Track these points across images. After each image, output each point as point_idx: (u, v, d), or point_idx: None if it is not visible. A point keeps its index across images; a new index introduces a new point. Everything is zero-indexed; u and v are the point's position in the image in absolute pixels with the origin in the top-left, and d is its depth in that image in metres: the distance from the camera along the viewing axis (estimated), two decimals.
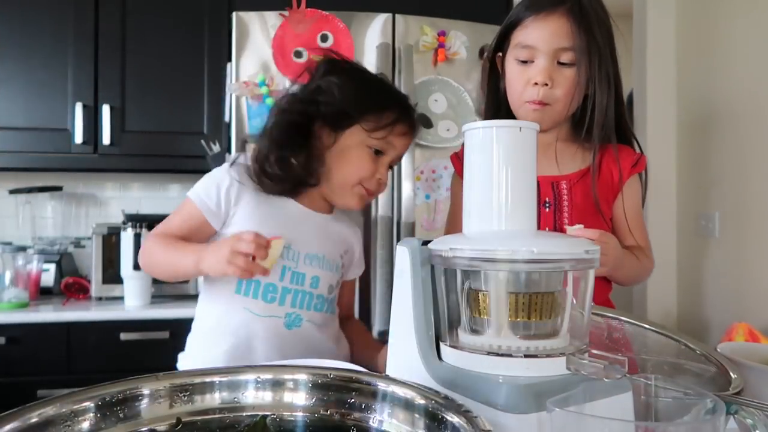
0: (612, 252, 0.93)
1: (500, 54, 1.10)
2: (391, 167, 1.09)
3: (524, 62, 1.02)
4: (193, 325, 1.08)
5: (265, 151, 1.02)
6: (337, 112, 1.02)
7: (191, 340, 1.08)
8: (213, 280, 1.03)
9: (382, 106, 1.03)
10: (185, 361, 1.06)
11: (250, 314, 1.00)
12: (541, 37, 1.00)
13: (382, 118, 1.02)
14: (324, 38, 1.94)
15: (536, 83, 1.00)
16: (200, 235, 1.04)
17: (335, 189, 1.06)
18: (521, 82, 1.02)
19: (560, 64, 1.01)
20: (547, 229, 1.06)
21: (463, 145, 1.29)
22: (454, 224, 1.20)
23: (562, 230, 1.04)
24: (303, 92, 1.06)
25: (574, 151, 1.10)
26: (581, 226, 0.87)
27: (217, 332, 1.01)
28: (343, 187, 1.05)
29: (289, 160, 1.02)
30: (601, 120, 1.04)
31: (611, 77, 1.04)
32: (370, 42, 1.97)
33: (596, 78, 1.01)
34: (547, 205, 1.07)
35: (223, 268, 0.89)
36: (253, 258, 0.89)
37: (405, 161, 1.89)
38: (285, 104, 1.05)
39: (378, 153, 1.04)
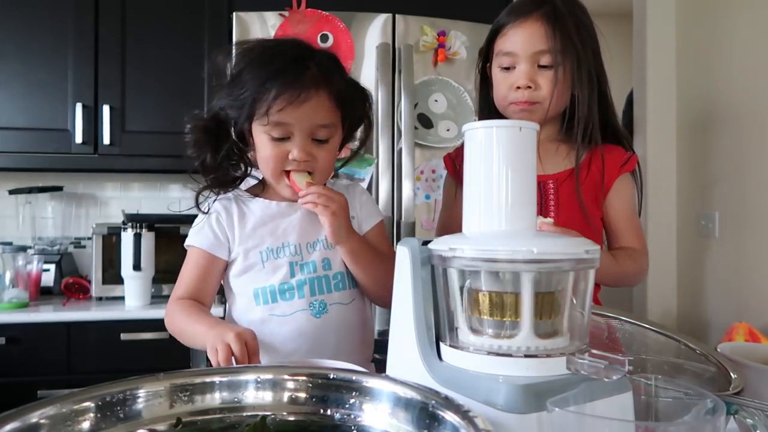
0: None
1: (489, 64, 1.14)
2: (322, 140, 0.97)
3: (507, 69, 1.06)
4: None
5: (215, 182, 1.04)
6: (239, 133, 1.01)
7: None
8: (234, 305, 1.05)
9: (256, 88, 0.93)
10: None
11: (276, 318, 1.00)
12: (519, 43, 1.04)
13: (261, 102, 0.93)
14: (324, 38, 1.94)
15: (518, 87, 1.04)
16: (214, 274, 1.04)
17: (268, 184, 1.05)
18: (505, 87, 1.07)
19: (540, 66, 1.04)
20: None
21: (456, 146, 1.30)
22: (446, 226, 1.20)
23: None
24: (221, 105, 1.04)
25: (562, 151, 1.11)
26: (551, 220, 0.86)
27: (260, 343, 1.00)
28: (270, 181, 1.03)
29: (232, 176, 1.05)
30: (583, 119, 1.06)
31: (594, 77, 1.06)
32: (370, 42, 1.97)
33: (576, 78, 1.04)
34: None
35: (217, 359, 0.85)
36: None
37: (405, 161, 1.89)
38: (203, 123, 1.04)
39: (282, 139, 0.96)
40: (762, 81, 1.86)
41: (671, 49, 2.29)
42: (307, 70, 0.95)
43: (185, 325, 0.99)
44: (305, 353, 0.99)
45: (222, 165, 1.02)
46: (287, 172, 0.98)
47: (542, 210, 1.07)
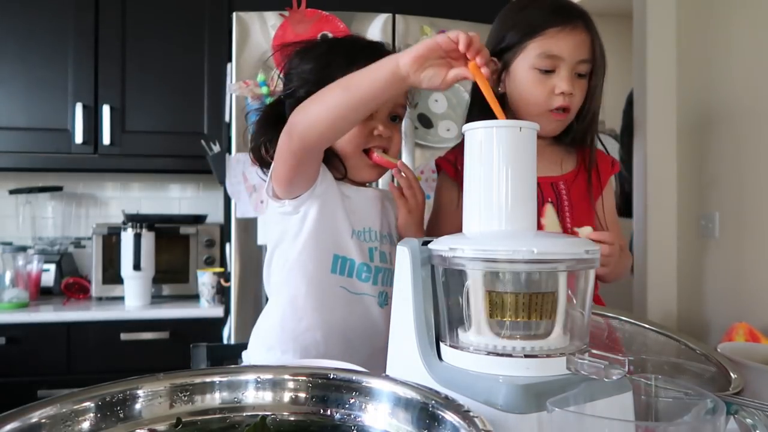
0: (616, 253, 0.96)
1: (494, 59, 1.10)
2: (396, 118, 1.04)
3: (545, 71, 1.04)
4: (271, 315, 1.03)
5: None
6: (309, 94, 0.94)
7: (272, 331, 1.02)
8: (304, 263, 1.00)
9: (349, 69, 0.91)
10: (271, 353, 1.01)
11: (345, 292, 1.00)
12: (566, 48, 1.03)
13: None
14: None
15: (562, 92, 1.03)
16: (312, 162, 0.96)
17: (349, 169, 1.04)
18: (544, 90, 1.04)
19: (577, 75, 1.05)
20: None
21: (451, 147, 1.29)
22: (438, 225, 1.19)
23: (565, 229, 1.08)
24: (283, 90, 1.05)
25: (560, 153, 1.15)
26: (590, 228, 0.90)
27: (313, 312, 0.99)
28: (348, 159, 1.02)
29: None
30: (594, 126, 1.12)
31: (602, 88, 1.11)
32: None
33: (597, 90, 1.08)
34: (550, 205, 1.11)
35: (429, 44, 0.80)
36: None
37: (405, 161, 1.89)
38: (264, 109, 1.05)
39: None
40: (762, 81, 1.86)
41: (671, 49, 2.29)
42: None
43: (336, 89, 0.87)
44: (361, 337, 0.98)
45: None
46: (366, 152, 1.01)
47: (559, 210, 1.10)
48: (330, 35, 1.15)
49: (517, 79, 1.07)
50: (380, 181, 1.92)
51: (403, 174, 1.04)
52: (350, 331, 1.00)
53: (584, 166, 1.13)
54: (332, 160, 1.02)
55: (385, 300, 1.03)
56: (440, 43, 0.80)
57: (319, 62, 1.01)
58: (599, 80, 1.07)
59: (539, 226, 1.04)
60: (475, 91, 1.13)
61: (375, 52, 1.00)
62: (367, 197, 1.06)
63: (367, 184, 1.11)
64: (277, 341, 1.01)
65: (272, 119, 1.03)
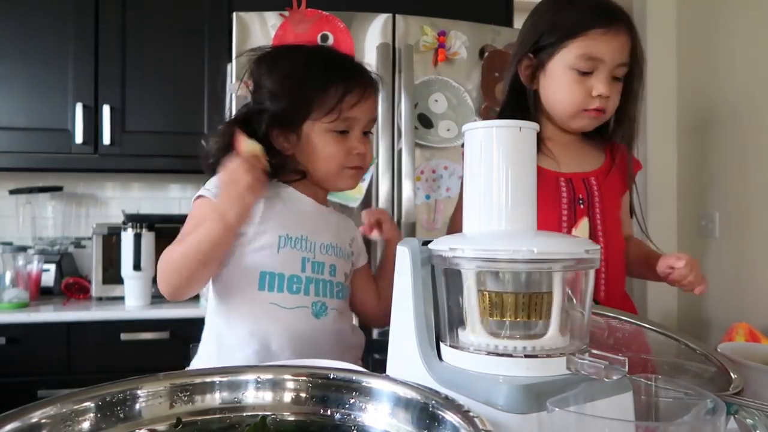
0: (693, 266, 0.98)
1: (530, 55, 1.09)
2: (367, 133, 1.05)
3: (584, 73, 1.04)
4: (210, 331, 1.04)
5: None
6: (281, 117, 0.99)
7: (210, 346, 1.03)
8: (232, 285, 1.01)
9: (322, 89, 0.98)
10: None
11: (277, 308, 0.98)
12: (608, 51, 1.02)
13: (327, 101, 0.98)
14: (324, 38, 1.94)
15: (599, 95, 1.03)
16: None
17: (323, 180, 1.05)
18: (581, 91, 1.04)
19: (613, 77, 1.05)
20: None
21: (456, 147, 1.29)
22: (459, 223, 1.20)
23: (595, 227, 1.09)
24: (249, 106, 1.04)
25: (589, 149, 1.15)
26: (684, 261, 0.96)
27: (242, 334, 0.98)
28: (329, 177, 1.03)
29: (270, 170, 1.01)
30: (632, 129, 1.13)
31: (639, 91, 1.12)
32: (370, 42, 1.97)
33: (634, 93, 1.09)
34: (581, 201, 1.09)
35: (246, 199, 0.87)
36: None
37: (405, 161, 1.90)
38: (232, 124, 1.02)
39: (343, 132, 1.00)
40: (762, 81, 1.86)
41: (671, 49, 2.29)
42: (365, 70, 1.04)
43: (183, 245, 0.95)
44: (297, 351, 0.97)
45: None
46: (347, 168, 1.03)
47: (590, 207, 1.09)
48: (279, 47, 1.16)
49: (553, 78, 1.06)
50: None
51: (377, 216, 1.11)
52: (287, 347, 0.97)
53: (615, 163, 1.14)
54: (289, 166, 1.02)
55: (321, 310, 1.01)
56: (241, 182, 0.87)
57: (294, 76, 1.00)
58: (639, 83, 1.08)
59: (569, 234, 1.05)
60: (513, 93, 1.13)
61: (351, 72, 1.02)
62: (311, 207, 1.05)
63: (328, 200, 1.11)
64: (217, 359, 1.00)
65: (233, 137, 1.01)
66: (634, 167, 1.17)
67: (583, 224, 1.01)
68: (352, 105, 0.99)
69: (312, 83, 0.99)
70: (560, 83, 1.05)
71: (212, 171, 1.00)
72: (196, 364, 1.04)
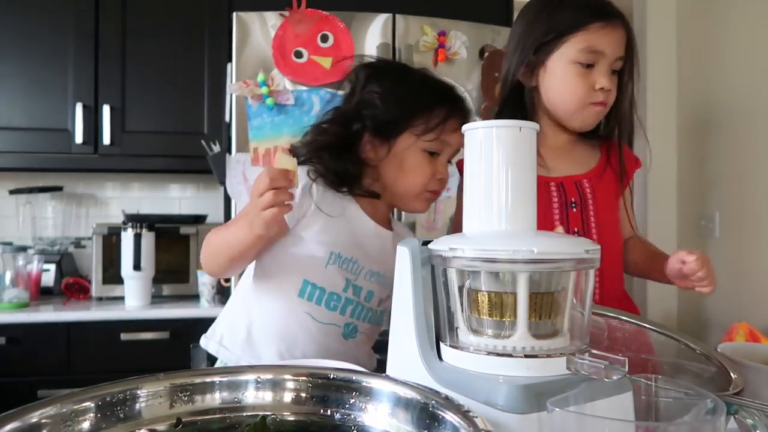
0: (707, 267, 0.97)
1: (532, 57, 1.09)
2: (449, 161, 1.07)
3: (586, 66, 1.05)
4: (240, 314, 1.04)
5: (320, 172, 1.00)
6: (383, 123, 0.99)
7: (241, 330, 1.02)
8: (274, 280, 1.01)
9: (430, 106, 1.00)
10: (223, 353, 1.02)
11: (310, 319, 0.99)
12: (608, 44, 1.04)
13: (431, 119, 0.99)
14: (324, 38, 1.94)
15: (602, 88, 1.04)
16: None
17: (400, 198, 1.04)
18: (584, 85, 1.05)
19: (613, 71, 1.06)
20: (576, 230, 1.08)
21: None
22: (461, 225, 1.20)
23: (589, 228, 1.09)
24: (346, 107, 1.03)
25: (585, 150, 1.15)
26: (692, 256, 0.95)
27: (272, 332, 0.99)
28: (407, 196, 1.03)
29: (340, 177, 1.00)
30: (625, 123, 1.13)
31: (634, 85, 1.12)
32: (370, 42, 1.97)
33: (631, 86, 1.10)
34: (573, 205, 1.10)
35: (266, 217, 0.84)
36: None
37: None
38: (327, 123, 1.02)
39: (433, 154, 1.01)
40: (762, 81, 1.86)
41: (671, 49, 2.29)
42: (465, 101, 1.06)
43: (219, 235, 0.95)
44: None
45: (342, 170, 1.00)
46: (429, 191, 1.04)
47: (583, 210, 1.10)
48: (393, 62, 1.18)
49: (555, 73, 1.07)
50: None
51: None
52: (310, 357, 0.98)
53: (610, 162, 1.14)
54: (366, 180, 1.02)
55: (351, 332, 1.02)
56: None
57: (406, 86, 1.02)
58: (631, 77, 1.09)
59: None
60: (510, 93, 1.13)
61: (457, 100, 1.04)
62: (372, 231, 1.04)
63: (392, 221, 1.10)
64: (245, 345, 1.01)
65: (341, 148, 1.00)
66: (633, 164, 1.17)
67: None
68: (453, 129, 1.00)
69: (421, 98, 1.00)
70: (562, 78, 1.06)
71: (309, 157, 1.01)
72: (226, 336, 1.04)
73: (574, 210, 1.09)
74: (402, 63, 1.15)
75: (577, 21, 1.04)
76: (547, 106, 1.09)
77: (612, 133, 1.14)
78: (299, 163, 0.95)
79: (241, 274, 1.09)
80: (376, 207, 1.05)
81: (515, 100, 1.12)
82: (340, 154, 0.99)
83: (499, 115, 1.15)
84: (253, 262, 1.04)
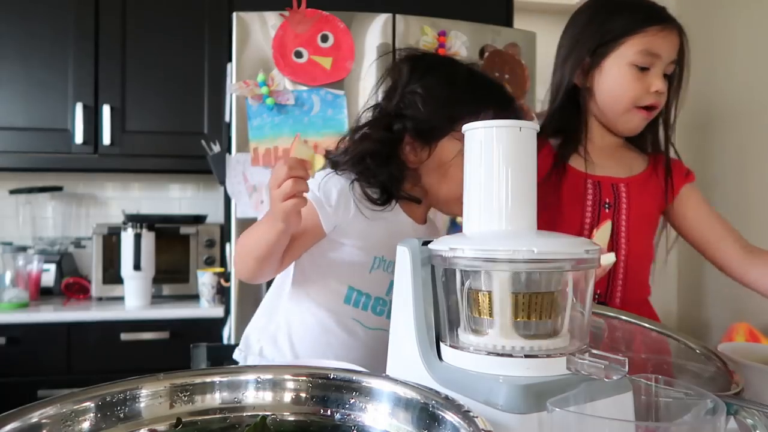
0: None
1: (587, 59, 1.10)
2: None
3: (642, 68, 1.06)
4: (281, 322, 1.01)
5: (364, 186, 0.96)
6: (425, 125, 0.93)
7: (272, 344, 1.01)
8: (316, 287, 0.99)
9: (475, 110, 0.91)
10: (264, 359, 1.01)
11: (359, 325, 0.98)
12: (665, 47, 1.05)
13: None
14: (324, 38, 1.94)
15: (656, 91, 1.05)
16: (306, 236, 0.95)
17: (441, 202, 1.00)
18: (638, 87, 1.06)
19: (665, 75, 1.07)
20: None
21: None
22: None
23: (619, 233, 1.09)
24: (387, 105, 0.98)
25: (630, 156, 1.16)
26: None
27: (320, 341, 0.97)
28: (449, 201, 0.97)
29: (384, 185, 0.96)
30: (667, 129, 1.14)
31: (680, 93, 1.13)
32: (370, 42, 1.97)
33: (679, 93, 1.11)
34: (606, 206, 1.10)
35: (286, 208, 0.81)
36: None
37: None
38: (368, 127, 0.97)
39: None
40: (762, 81, 1.86)
41: None
42: (515, 101, 1.00)
43: (251, 233, 0.91)
44: (367, 368, 0.97)
45: (386, 177, 0.96)
46: None
47: (615, 212, 1.10)
48: (439, 56, 1.12)
49: (610, 75, 1.08)
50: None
51: None
52: (360, 363, 0.96)
53: (657, 174, 1.14)
54: (407, 182, 0.97)
55: None
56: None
57: (449, 88, 0.94)
58: (681, 83, 1.10)
59: (590, 235, 1.03)
60: (565, 95, 1.13)
61: (503, 101, 0.97)
62: (409, 228, 1.00)
63: (427, 219, 1.06)
64: (291, 354, 0.99)
65: (381, 153, 0.95)
66: (682, 179, 1.15)
67: (606, 226, 0.98)
68: None
69: (465, 101, 0.94)
70: (618, 79, 1.07)
71: (351, 165, 0.96)
72: (267, 348, 1.01)
73: (607, 210, 1.10)
74: (449, 57, 1.08)
75: (636, 24, 1.06)
76: (600, 105, 1.10)
77: (657, 144, 1.15)
78: (333, 170, 0.94)
79: (269, 284, 1.06)
80: (413, 206, 1.01)
81: (568, 102, 1.13)
82: (384, 161, 0.94)
83: (551, 117, 1.15)
84: (291, 271, 1.00)
